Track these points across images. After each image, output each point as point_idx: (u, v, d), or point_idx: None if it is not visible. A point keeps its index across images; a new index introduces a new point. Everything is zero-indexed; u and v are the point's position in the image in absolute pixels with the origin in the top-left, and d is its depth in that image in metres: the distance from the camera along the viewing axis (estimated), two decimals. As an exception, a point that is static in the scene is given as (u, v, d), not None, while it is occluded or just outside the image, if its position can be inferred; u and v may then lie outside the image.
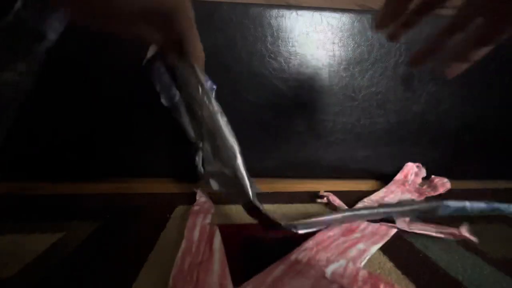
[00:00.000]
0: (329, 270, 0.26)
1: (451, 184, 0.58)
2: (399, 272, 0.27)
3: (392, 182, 0.52)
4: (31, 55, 0.26)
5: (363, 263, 0.28)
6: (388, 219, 0.36)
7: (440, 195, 0.49)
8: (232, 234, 0.33)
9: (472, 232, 0.33)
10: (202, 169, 0.39)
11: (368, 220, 0.36)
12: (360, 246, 0.30)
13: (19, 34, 0.24)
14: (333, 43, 0.50)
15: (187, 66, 0.32)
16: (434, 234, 0.34)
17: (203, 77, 0.32)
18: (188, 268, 0.26)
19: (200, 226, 0.34)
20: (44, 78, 0.47)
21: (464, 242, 0.33)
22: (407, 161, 0.57)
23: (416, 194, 0.48)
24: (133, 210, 0.40)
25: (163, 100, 0.39)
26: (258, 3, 0.49)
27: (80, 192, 0.48)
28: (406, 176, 0.54)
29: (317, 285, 0.24)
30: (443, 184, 0.51)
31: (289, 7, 0.50)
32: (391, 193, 0.48)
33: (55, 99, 0.48)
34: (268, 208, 0.42)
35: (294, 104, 0.52)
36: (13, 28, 0.23)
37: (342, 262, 0.27)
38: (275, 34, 0.49)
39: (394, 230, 0.35)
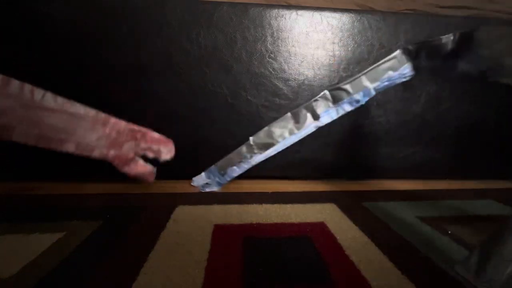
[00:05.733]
0: None
1: (451, 185, 0.58)
2: (399, 272, 0.27)
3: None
4: None
5: None
6: None
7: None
8: (232, 234, 0.34)
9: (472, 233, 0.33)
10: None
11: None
12: None
13: None
14: (333, 43, 0.50)
15: None
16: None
17: None
18: None
19: None
20: (45, 79, 0.48)
21: (464, 242, 0.33)
22: (408, 161, 0.57)
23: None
24: (133, 210, 0.40)
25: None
26: (258, 3, 0.49)
27: (80, 192, 0.48)
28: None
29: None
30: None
31: (289, 7, 0.50)
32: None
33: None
34: (268, 208, 0.42)
35: (294, 104, 0.52)
36: None
37: None
38: (275, 34, 0.49)
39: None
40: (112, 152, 0.43)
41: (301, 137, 0.47)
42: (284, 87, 0.51)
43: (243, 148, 0.49)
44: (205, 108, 0.51)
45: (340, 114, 0.45)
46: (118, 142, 0.43)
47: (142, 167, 0.46)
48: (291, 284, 0.25)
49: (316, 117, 0.45)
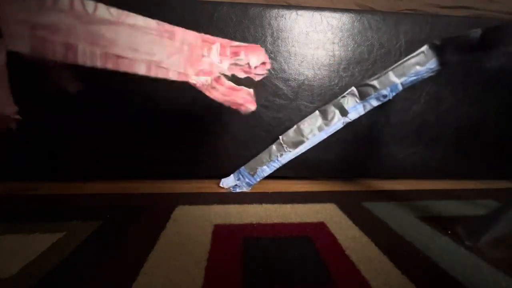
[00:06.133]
0: None
1: (451, 185, 0.58)
2: (399, 272, 0.27)
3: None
4: None
5: None
6: None
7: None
8: (232, 234, 0.34)
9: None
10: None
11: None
12: None
13: None
14: (333, 43, 0.50)
15: None
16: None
17: None
18: None
19: None
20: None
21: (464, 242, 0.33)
22: (408, 161, 0.57)
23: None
24: (133, 210, 0.40)
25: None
26: (258, 3, 0.49)
27: (80, 192, 0.48)
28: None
29: None
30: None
31: (289, 7, 0.50)
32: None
33: (57, 100, 0.48)
34: (268, 208, 0.42)
35: (294, 104, 0.52)
36: None
37: None
38: (275, 34, 0.49)
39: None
40: (191, 72, 0.35)
41: (330, 134, 0.48)
42: (284, 87, 0.51)
43: (273, 147, 0.50)
44: (205, 108, 0.51)
45: (367, 110, 0.46)
46: (193, 58, 0.35)
47: (234, 89, 0.37)
48: (291, 284, 0.25)
49: (344, 113, 0.46)
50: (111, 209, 0.41)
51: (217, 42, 0.36)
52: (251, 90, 0.38)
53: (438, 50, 0.41)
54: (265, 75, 0.38)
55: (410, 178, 0.60)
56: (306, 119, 0.49)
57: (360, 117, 0.53)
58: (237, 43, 0.37)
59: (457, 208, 0.44)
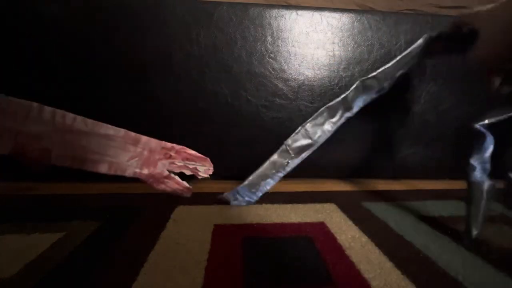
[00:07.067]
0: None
1: (451, 185, 0.58)
2: (399, 272, 0.27)
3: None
4: None
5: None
6: None
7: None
8: (232, 234, 0.34)
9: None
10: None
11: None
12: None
13: None
14: (333, 43, 0.50)
15: None
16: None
17: None
18: None
19: None
20: (45, 80, 0.48)
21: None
22: (408, 161, 0.57)
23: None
24: (133, 210, 0.40)
25: None
26: (258, 3, 0.49)
27: (80, 192, 0.48)
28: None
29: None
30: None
31: (289, 7, 0.50)
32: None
33: (58, 99, 0.48)
34: (268, 208, 0.42)
35: (294, 104, 0.52)
36: None
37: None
38: (275, 34, 0.49)
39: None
40: (145, 171, 0.42)
41: (333, 132, 0.46)
42: (284, 87, 0.51)
43: (277, 156, 0.45)
44: (205, 108, 0.51)
45: (366, 103, 0.45)
46: (151, 161, 0.42)
47: (177, 184, 0.45)
48: (291, 284, 0.25)
49: (348, 108, 0.45)
50: (111, 209, 0.41)
51: (174, 149, 0.44)
52: (190, 186, 0.45)
53: (431, 42, 0.41)
54: (207, 176, 0.46)
55: (410, 178, 0.60)
56: (313, 119, 0.45)
57: (359, 117, 0.53)
58: (190, 152, 0.45)
59: (457, 208, 0.44)
